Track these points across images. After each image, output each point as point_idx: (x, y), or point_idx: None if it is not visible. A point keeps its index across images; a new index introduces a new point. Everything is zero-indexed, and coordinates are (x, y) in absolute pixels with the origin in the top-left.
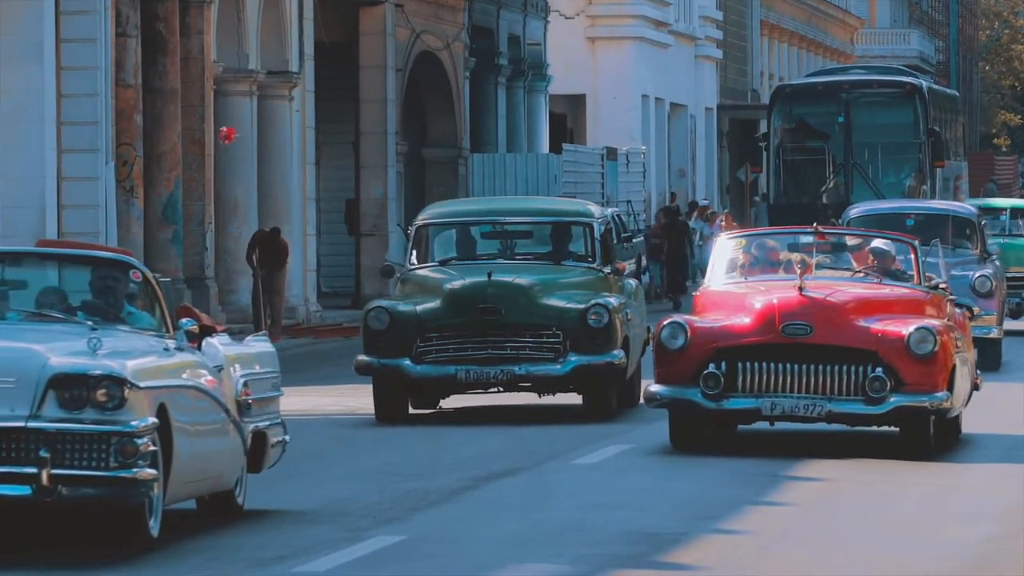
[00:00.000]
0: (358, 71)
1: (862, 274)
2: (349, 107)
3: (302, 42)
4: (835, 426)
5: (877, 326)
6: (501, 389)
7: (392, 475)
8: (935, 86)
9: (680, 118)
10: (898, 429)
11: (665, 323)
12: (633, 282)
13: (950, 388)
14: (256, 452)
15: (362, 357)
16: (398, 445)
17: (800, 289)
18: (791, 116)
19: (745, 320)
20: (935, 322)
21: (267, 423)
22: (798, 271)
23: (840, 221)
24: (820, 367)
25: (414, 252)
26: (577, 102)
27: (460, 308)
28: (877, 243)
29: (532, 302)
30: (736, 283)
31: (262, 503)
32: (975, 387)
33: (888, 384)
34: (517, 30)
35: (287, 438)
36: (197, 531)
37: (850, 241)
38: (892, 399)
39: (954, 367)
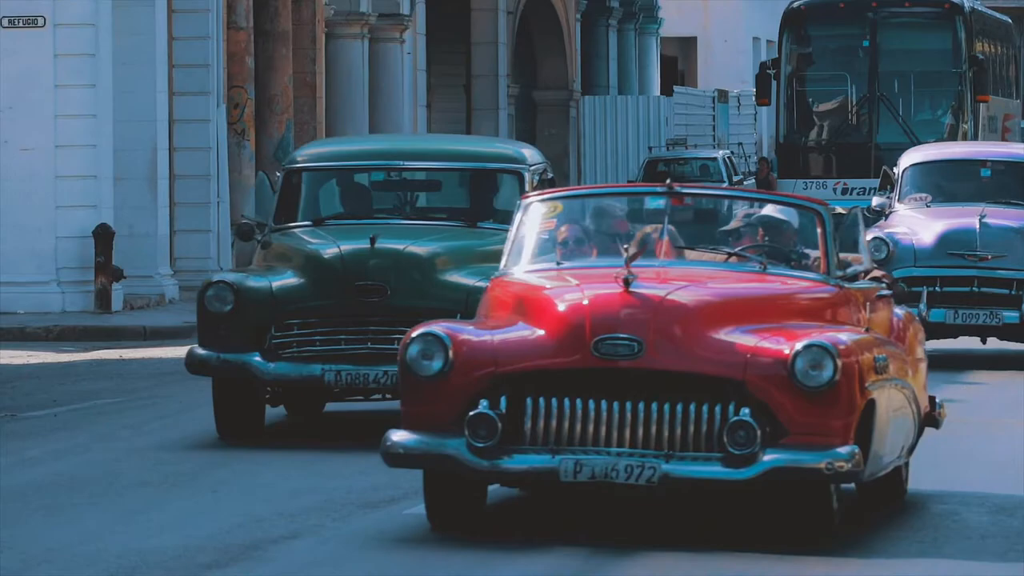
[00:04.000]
0: (469, 13)
1: (736, 259)
2: (460, 49)
3: None
4: None
5: (747, 342)
6: (388, 396)
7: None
8: (981, 7)
9: None
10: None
11: (414, 334)
12: None
13: (863, 438)
14: None
15: (197, 350)
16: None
17: (626, 283)
18: (806, 39)
19: (539, 332)
20: (841, 335)
21: None
22: (626, 254)
23: (892, 168)
24: (654, 406)
25: (283, 206)
26: (688, 44)
27: (331, 285)
28: (769, 210)
29: (430, 279)
30: (545, 271)
31: None
32: (933, 423)
33: (759, 433)
34: None
35: None
36: None
37: (729, 208)
38: (766, 457)
39: (871, 404)
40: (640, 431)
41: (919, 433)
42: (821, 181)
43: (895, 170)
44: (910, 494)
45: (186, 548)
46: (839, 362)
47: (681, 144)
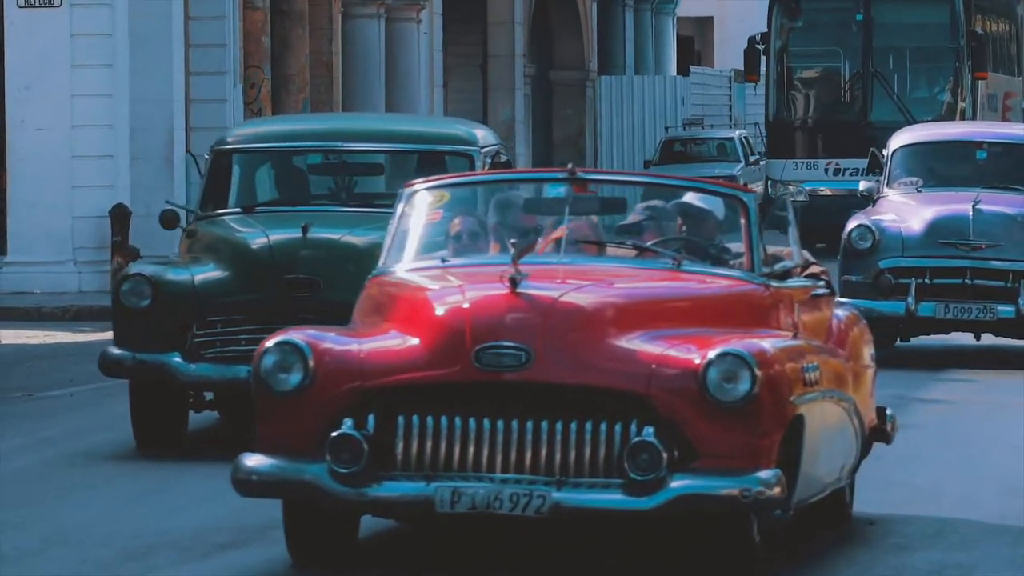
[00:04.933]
0: None
1: (647, 254)
2: (477, 29)
3: None
4: None
5: (652, 350)
6: None
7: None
8: None
9: None
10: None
11: (269, 343)
12: None
13: (788, 460)
14: None
15: (112, 350)
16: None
17: (513, 283)
18: (797, 12)
19: (414, 341)
20: (762, 342)
21: None
22: (514, 251)
23: (882, 149)
24: (544, 425)
25: (211, 191)
26: (704, 24)
27: (258, 279)
28: (690, 198)
29: (367, 271)
30: (429, 269)
31: None
32: (883, 437)
33: (665, 456)
34: None
35: None
36: None
37: (641, 197)
38: (673, 484)
39: (799, 421)
40: (528, 454)
41: (865, 450)
42: (812, 161)
43: (884, 152)
44: (856, 519)
45: (202, 528)
46: (758, 373)
47: (698, 124)
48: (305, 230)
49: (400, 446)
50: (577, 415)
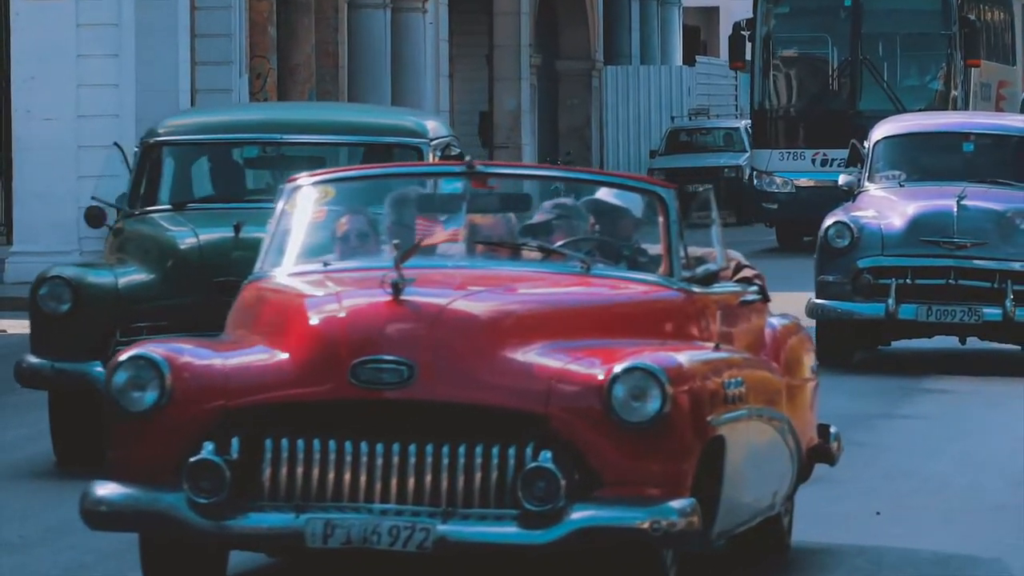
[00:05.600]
0: None
1: (560, 257)
2: (483, 19)
3: None
4: None
5: (552, 364)
6: None
7: None
8: None
9: None
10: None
11: (122, 357)
12: None
13: (709, 486)
14: None
15: (29, 358)
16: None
17: (396, 290)
18: None
19: (284, 355)
20: (676, 355)
21: None
22: (394, 255)
23: (863, 142)
24: (429, 449)
25: (142, 186)
26: (710, 14)
27: (187, 282)
28: (603, 194)
29: None
30: (310, 273)
31: None
32: (826, 458)
33: (565, 484)
34: None
35: None
36: None
37: (549, 193)
38: (573, 515)
39: (719, 443)
40: (411, 482)
41: (804, 473)
42: (798, 152)
43: (865, 144)
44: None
45: None
46: (670, 389)
47: (703, 114)
48: (238, 229)
49: (267, 473)
50: (466, 438)
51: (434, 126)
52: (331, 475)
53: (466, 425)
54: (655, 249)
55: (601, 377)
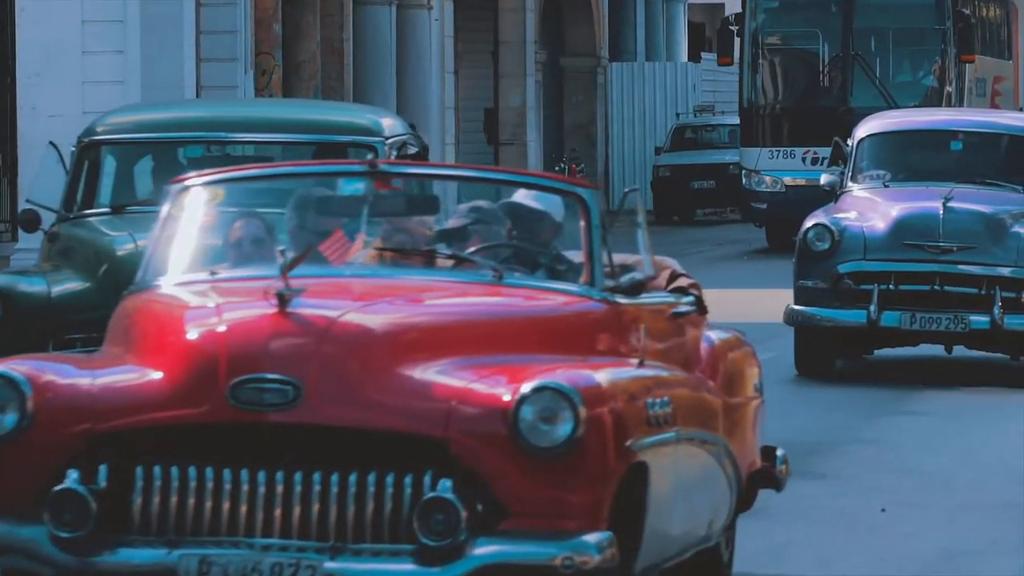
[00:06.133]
0: None
1: (472, 265)
2: (488, 16)
3: None
4: None
5: (453, 383)
6: None
7: None
8: None
9: None
10: None
11: None
12: None
13: (631, 517)
14: None
15: None
16: None
17: (282, 302)
18: None
19: (157, 374)
20: (593, 372)
21: None
22: (281, 262)
23: (847, 140)
24: (316, 477)
25: (79, 188)
26: (716, 11)
27: (124, 290)
28: (520, 196)
29: None
30: (195, 283)
31: None
32: (771, 483)
33: (466, 516)
34: None
35: None
36: None
37: (460, 196)
38: (477, 551)
39: (640, 469)
40: (296, 513)
41: (747, 499)
42: (788, 150)
43: (849, 142)
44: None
45: None
46: (583, 412)
47: (709, 111)
48: None
49: (137, 503)
50: (357, 465)
51: (390, 123)
52: (208, 506)
53: (357, 451)
54: (577, 256)
55: (507, 398)
